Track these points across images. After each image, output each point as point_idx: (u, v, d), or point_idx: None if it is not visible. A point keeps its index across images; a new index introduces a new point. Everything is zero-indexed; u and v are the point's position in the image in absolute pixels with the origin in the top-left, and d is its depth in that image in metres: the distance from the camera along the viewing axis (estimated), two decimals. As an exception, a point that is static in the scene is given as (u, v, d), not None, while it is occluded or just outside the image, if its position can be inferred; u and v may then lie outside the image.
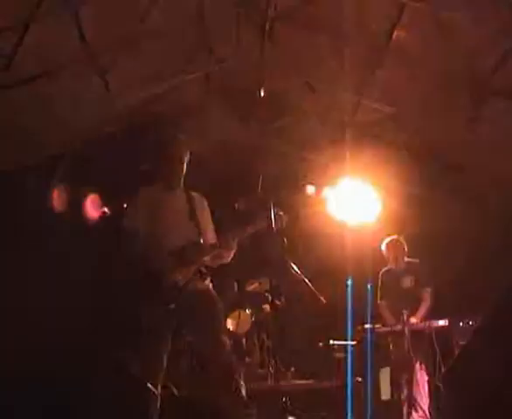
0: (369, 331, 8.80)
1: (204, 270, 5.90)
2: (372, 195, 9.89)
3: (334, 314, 9.68)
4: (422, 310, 8.70)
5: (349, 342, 9.21)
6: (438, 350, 8.08)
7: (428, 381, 8.32)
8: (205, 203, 6.28)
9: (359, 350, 9.05)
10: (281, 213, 6.07)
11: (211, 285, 6.09)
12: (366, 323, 8.84)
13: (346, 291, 9.23)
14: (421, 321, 8.53)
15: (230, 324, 9.39)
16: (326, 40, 9.15)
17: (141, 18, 8.55)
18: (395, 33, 8.65)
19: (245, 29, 9.54)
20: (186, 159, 6.14)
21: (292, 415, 7.64)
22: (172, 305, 5.70)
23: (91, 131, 10.52)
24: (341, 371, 9.05)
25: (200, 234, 5.99)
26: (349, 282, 9.11)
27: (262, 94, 5.24)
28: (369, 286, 9.15)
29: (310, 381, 9.52)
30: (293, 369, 9.82)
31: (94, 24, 8.37)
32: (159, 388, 5.95)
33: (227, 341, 5.92)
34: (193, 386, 8.76)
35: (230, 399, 5.64)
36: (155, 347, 5.84)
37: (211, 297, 6.01)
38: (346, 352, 9.17)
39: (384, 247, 9.23)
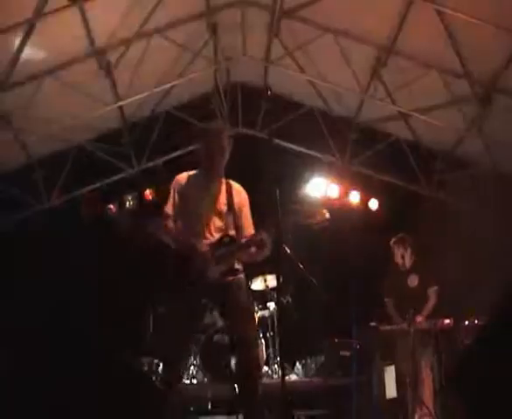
0: (375, 329, 8.81)
1: (237, 266, 5.76)
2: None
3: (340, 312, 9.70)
4: (427, 309, 8.67)
5: (355, 340, 9.21)
6: (443, 349, 8.08)
7: (433, 380, 8.31)
8: (245, 195, 6.02)
9: (364, 348, 9.06)
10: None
11: (244, 280, 5.90)
12: (372, 321, 8.85)
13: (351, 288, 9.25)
14: (426, 320, 8.51)
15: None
16: (332, 38, 9.14)
17: (148, 16, 8.60)
18: (401, 32, 8.66)
19: (252, 25, 9.58)
20: (228, 149, 5.91)
21: (297, 412, 7.65)
22: (204, 300, 5.68)
23: (97, 128, 10.55)
24: (346, 369, 9.06)
25: (237, 227, 5.82)
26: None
27: (270, 92, 5.08)
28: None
29: (316, 379, 9.52)
30: (298, 366, 9.83)
31: (101, 20, 8.41)
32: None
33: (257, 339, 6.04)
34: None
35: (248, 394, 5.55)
36: (182, 340, 5.72)
37: (244, 293, 5.84)
38: (351, 350, 9.18)
39: (391, 245, 9.23)
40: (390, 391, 8.39)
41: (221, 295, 5.61)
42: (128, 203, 10.89)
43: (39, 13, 7.68)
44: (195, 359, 9.18)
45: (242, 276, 5.84)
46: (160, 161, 11.07)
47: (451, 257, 9.42)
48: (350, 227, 10.19)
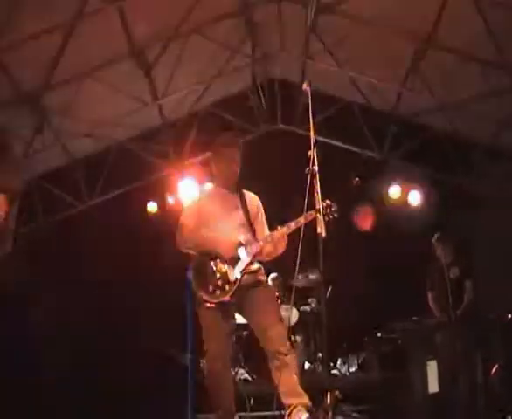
0: (414, 323, 8.77)
1: (257, 265, 5.91)
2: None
3: (380, 307, 9.69)
4: (466, 301, 8.65)
5: (394, 335, 9.19)
6: (485, 341, 8.03)
7: (474, 373, 8.26)
8: (259, 203, 6.21)
9: (406, 343, 9.02)
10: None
11: (265, 278, 6.06)
12: (413, 315, 8.82)
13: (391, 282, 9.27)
14: (467, 313, 8.48)
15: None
16: (369, 31, 9.10)
17: (186, 14, 8.63)
18: (439, 24, 8.60)
19: (289, 20, 9.58)
20: (239, 160, 6.08)
21: (342, 407, 7.63)
22: (227, 298, 5.69)
23: (136, 126, 10.63)
24: (388, 364, 9.04)
25: (253, 233, 5.97)
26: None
27: (305, 87, 5.06)
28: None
29: (358, 374, 9.52)
30: (339, 362, 9.83)
31: (140, 20, 8.46)
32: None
33: (284, 334, 5.77)
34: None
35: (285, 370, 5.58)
36: (214, 343, 5.76)
37: (265, 289, 5.98)
38: (391, 345, 9.16)
39: (433, 242, 9.20)
40: (433, 386, 8.35)
41: (242, 295, 5.73)
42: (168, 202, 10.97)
43: (79, 14, 7.76)
44: (237, 355, 9.21)
45: (262, 277, 6.01)
46: (198, 158, 11.11)
47: (491, 250, 9.38)
48: (391, 220, 10.17)
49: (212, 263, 5.76)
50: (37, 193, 10.76)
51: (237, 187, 6.13)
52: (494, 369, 7.88)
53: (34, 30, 7.70)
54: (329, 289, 9.29)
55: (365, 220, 9.41)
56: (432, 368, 8.50)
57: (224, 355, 5.79)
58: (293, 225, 5.73)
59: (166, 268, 9.87)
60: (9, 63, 8.13)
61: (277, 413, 5.87)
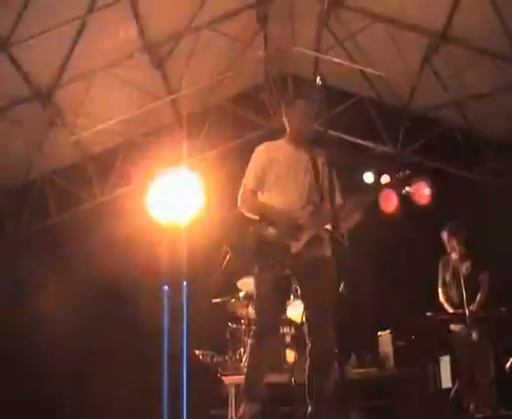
0: (428, 318, 8.75)
1: (323, 235, 5.33)
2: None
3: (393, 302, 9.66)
4: (481, 296, 8.60)
5: (408, 330, 9.16)
6: (499, 336, 8.00)
7: (489, 368, 8.24)
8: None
9: (419, 338, 9.00)
10: None
11: (329, 252, 5.37)
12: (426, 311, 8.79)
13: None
14: (481, 307, 8.44)
15: (290, 313, 9.39)
16: (382, 26, 9.09)
17: (199, 9, 8.64)
18: (452, 18, 8.57)
19: (302, 15, 9.56)
20: (313, 115, 5.53)
21: (354, 403, 7.61)
22: (287, 271, 5.26)
23: (149, 122, 10.63)
24: (402, 359, 9.00)
25: (323, 196, 5.37)
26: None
27: (319, 82, 4.93)
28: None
29: (371, 370, 9.49)
30: (354, 357, 9.80)
31: (152, 15, 8.47)
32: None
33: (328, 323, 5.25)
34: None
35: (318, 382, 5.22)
36: (268, 314, 5.39)
37: (327, 266, 5.30)
38: (405, 340, 9.13)
39: (443, 236, 9.15)
40: (446, 381, 8.34)
41: (304, 270, 5.27)
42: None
43: (92, 8, 7.78)
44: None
45: (328, 252, 5.39)
46: (212, 153, 11.09)
47: (503, 244, 9.35)
48: (403, 215, 10.12)
49: (274, 232, 5.30)
50: (49, 189, 10.78)
51: (310, 145, 5.57)
52: (509, 364, 7.87)
53: (46, 26, 7.71)
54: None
55: (389, 202, 9.25)
56: (445, 364, 8.49)
57: (274, 330, 5.62)
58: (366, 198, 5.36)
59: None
60: (21, 58, 8.17)
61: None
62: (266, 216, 5.37)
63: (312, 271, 5.27)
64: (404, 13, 8.86)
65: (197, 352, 9.11)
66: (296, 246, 5.23)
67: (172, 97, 10.04)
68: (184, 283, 9.56)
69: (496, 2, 8.01)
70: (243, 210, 5.57)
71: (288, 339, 8.65)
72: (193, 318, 9.48)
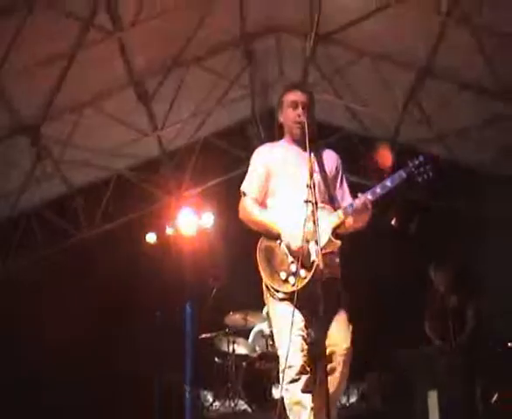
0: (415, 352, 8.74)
1: (332, 239, 4.72)
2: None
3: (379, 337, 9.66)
4: (468, 329, 8.62)
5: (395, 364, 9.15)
6: (486, 370, 8.01)
7: (476, 402, 8.22)
8: (339, 162, 5.15)
9: (406, 373, 8.98)
10: None
11: (337, 261, 4.91)
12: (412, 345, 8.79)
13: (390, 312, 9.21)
14: (468, 340, 8.46)
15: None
16: (367, 61, 9.16)
17: (185, 45, 8.68)
18: (437, 53, 8.65)
19: (288, 50, 9.63)
20: (314, 110, 5.11)
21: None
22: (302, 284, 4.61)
23: (136, 156, 10.65)
24: (388, 394, 8.97)
25: (331, 201, 4.94)
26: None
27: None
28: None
29: (358, 405, 9.45)
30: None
31: (139, 50, 8.51)
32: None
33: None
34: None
35: None
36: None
37: (333, 287, 4.76)
38: (392, 374, 9.11)
39: (430, 271, 9.18)
40: (434, 416, 8.31)
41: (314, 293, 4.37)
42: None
43: (79, 44, 7.81)
44: (236, 386, 9.12)
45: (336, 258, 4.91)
46: (199, 189, 11.12)
47: (491, 277, 9.38)
48: (389, 250, 10.13)
49: (283, 243, 4.74)
50: (36, 222, 10.75)
51: (313, 143, 4.86)
52: (494, 398, 7.86)
53: (34, 60, 7.73)
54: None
55: (385, 157, 9.14)
56: (432, 399, 8.46)
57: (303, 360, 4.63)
58: (378, 190, 4.76)
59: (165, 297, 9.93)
60: (9, 92, 8.16)
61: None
62: (271, 231, 4.84)
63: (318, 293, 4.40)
64: (390, 48, 8.93)
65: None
66: (311, 256, 4.64)
67: (158, 133, 10.05)
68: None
69: (480, 37, 8.10)
70: (245, 222, 5.05)
71: (274, 374, 8.62)
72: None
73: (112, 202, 10.95)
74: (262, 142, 5.32)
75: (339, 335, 4.68)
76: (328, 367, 4.60)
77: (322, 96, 9.79)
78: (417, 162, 4.76)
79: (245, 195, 5.07)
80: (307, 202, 4.46)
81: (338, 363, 4.65)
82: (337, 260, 4.92)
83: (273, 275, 4.75)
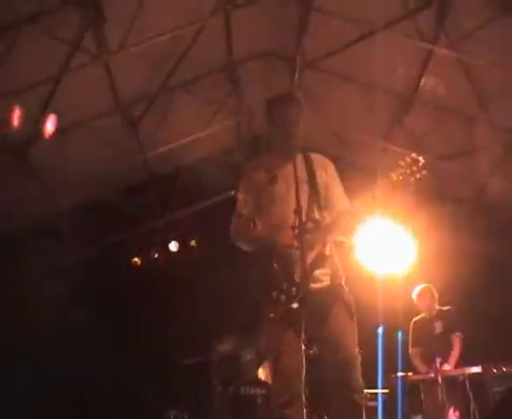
0: (400, 379, 8.71)
1: (327, 251, 4.61)
2: (404, 239, 9.86)
3: (365, 362, 9.60)
4: (454, 355, 8.60)
5: (381, 390, 9.10)
6: (472, 397, 7.98)
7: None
8: (329, 164, 4.98)
9: (391, 399, 8.95)
10: None
11: (341, 275, 4.77)
12: (398, 371, 8.76)
13: (377, 339, 9.16)
14: (454, 368, 8.44)
15: (262, 373, 9.32)
16: (353, 87, 9.22)
17: (172, 70, 8.72)
18: (422, 80, 8.71)
19: (274, 76, 9.67)
20: (301, 115, 4.88)
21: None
22: (294, 305, 4.41)
23: (123, 180, 10.63)
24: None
25: (321, 206, 4.72)
26: (380, 330, 9.05)
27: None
28: (399, 334, 9.09)
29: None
30: (326, 419, 9.70)
31: (125, 74, 8.52)
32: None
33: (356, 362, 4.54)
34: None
35: None
36: (281, 373, 4.49)
37: (339, 298, 4.65)
38: (377, 400, 9.06)
39: (415, 296, 9.17)
40: (419, 442, 8.29)
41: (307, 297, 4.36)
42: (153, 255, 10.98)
43: (65, 68, 7.81)
44: (221, 416, 9.00)
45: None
46: (184, 212, 11.12)
47: (475, 303, 9.39)
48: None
49: (274, 260, 4.53)
50: (21, 246, 10.68)
51: (302, 153, 4.86)
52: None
53: (20, 84, 7.73)
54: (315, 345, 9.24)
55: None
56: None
57: (294, 388, 4.43)
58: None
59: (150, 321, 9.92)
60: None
61: None
62: (263, 246, 4.67)
63: (316, 303, 4.43)
64: (375, 75, 8.98)
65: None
66: (299, 272, 4.42)
67: (144, 157, 10.06)
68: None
69: (466, 65, 8.18)
70: (238, 244, 4.90)
71: (260, 400, 8.55)
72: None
73: (98, 225, 10.91)
74: (253, 167, 5.20)
75: (342, 340, 4.52)
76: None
77: (308, 121, 9.85)
78: (409, 160, 4.63)
79: (237, 215, 4.94)
80: (293, 228, 4.40)
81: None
82: (332, 270, 4.70)
83: (265, 294, 4.55)
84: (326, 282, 4.60)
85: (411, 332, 9.02)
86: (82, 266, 10.58)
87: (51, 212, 10.55)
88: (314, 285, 4.47)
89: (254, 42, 9.31)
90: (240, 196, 4.98)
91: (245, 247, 4.88)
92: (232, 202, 5.15)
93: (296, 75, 9.20)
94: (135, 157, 10.00)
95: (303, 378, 4.46)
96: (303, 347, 4.46)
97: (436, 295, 8.92)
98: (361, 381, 4.51)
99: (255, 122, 10.79)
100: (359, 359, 4.56)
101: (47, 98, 8.18)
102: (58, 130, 8.85)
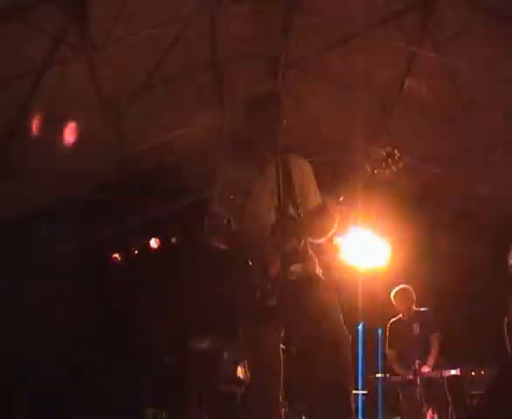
0: (380, 380, 8.74)
1: (299, 247, 4.58)
2: (383, 242, 9.91)
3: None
4: (432, 357, 8.63)
5: (360, 391, 9.13)
6: (450, 399, 8.01)
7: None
8: (306, 165, 5.00)
9: (369, 399, 8.98)
10: None
11: (316, 268, 4.75)
12: (377, 371, 8.79)
13: (357, 336, 9.21)
14: (433, 370, 8.47)
15: (240, 372, 9.31)
16: (336, 89, 9.23)
17: (156, 65, 8.68)
18: (405, 82, 8.74)
19: (258, 75, 9.66)
20: (283, 113, 4.88)
21: None
22: (272, 302, 4.36)
23: (102, 175, 10.58)
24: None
25: (297, 204, 4.69)
26: (360, 327, 9.09)
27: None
28: (379, 331, 9.12)
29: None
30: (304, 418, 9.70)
31: (109, 70, 8.48)
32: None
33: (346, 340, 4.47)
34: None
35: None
36: (258, 379, 4.48)
37: (315, 284, 4.64)
38: (356, 401, 9.07)
39: (393, 297, 9.18)
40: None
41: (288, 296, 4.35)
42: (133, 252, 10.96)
43: (48, 63, 7.76)
44: (199, 414, 8.98)
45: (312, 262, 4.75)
46: (165, 209, 11.08)
47: (453, 305, 9.44)
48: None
49: (249, 259, 4.51)
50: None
51: (277, 152, 4.80)
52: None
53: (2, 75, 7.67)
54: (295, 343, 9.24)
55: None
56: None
57: (272, 388, 4.43)
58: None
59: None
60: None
61: None
62: (238, 246, 4.67)
63: (296, 294, 4.45)
64: (358, 76, 9.00)
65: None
66: (275, 267, 4.44)
67: (126, 154, 10.01)
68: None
69: (450, 66, 8.22)
70: (212, 242, 4.87)
71: (238, 398, 8.57)
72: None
73: (78, 223, 10.86)
74: (229, 166, 5.20)
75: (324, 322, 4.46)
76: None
77: (291, 123, 9.85)
78: (384, 154, 4.60)
79: (210, 214, 4.92)
80: (272, 210, 4.47)
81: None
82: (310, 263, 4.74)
83: (242, 291, 4.57)
84: (296, 275, 4.59)
85: (387, 333, 9.05)
86: (61, 264, 10.53)
87: (29, 211, 10.48)
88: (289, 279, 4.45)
89: (238, 41, 9.29)
90: (215, 195, 4.98)
91: (219, 245, 4.86)
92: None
93: (279, 75, 9.22)
94: (117, 153, 9.94)
95: (281, 376, 4.48)
96: (282, 346, 4.60)
97: (414, 296, 8.96)
98: (349, 362, 4.47)
99: (238, 121, 10.77)
100: (348, 338, 4.53)
101: (28, 93, 8.12)
102: (40, 126, 8.82)
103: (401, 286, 9.05)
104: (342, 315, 4.60)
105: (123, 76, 8.77)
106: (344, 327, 4.53)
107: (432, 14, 7.77)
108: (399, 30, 8.01)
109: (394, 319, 9.05)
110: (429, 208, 10.79)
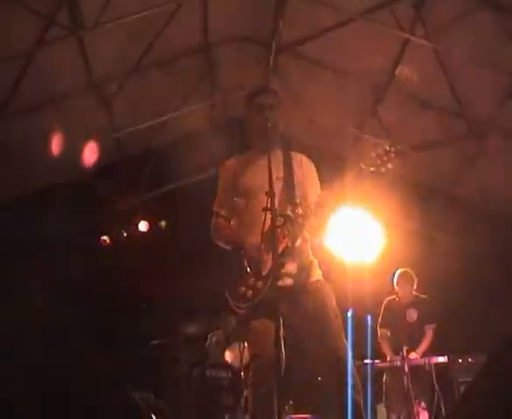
0: (369, 366, 8.71)
1: (293, 246, 4.48)
2: (373, 228, 9.89)
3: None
4: (423, 346, 8.60)
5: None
6: (437, 387, 8.02)
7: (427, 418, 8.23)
8: (309, 165, 4.95)
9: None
10: None
11: (316, 273, 4.71)
12: (365, 357, 8.77)
13: (346, 323, 9.19)
14: (421, 357, 8.44)
15: (228, 356, 9.31)
16: (329, 74, 9.21)
17: (147, 49, 8.64)
18: (397, 70, 8.73)
19: (249, 60, 9.63)
20: (278, 112, 4.86)
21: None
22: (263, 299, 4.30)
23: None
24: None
25: (296, 203, 4.55)
26: (350, 314, 9.07)
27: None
28: (369, 318, 9.10)
29: (309, 416, 9.40)
30: (291, 403, 9.70)
31: (100, 52, 8.43)
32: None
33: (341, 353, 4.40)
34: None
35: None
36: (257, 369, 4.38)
37: (313, 294, 4.58)
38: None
39: (395, 279, 9.12)
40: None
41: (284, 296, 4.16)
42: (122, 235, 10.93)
43: (39, 44, 7.71)
44: (187, 398, 8.96)
45: (317, 276, 4.70)
46: (154, 193, 11.06)
47: (449, 296, 9.42)
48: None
49: (244, 258, 4.50)
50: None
51: (280, 146, 4.85)
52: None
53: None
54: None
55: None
56: (380, 412, 8.47)
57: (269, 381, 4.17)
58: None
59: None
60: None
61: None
62: (237, 245, 4.63)
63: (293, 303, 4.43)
64: (350, 63, 8.98)
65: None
66: (268, 265, 4.38)
67: (117, 135, 9.96)
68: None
69: (441, 55, 8.21)
70: (217, 243, 4.84)
71: (225, 383, 8.57)
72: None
73: (68, 205, 10.80)
74: (220, 151, 5.17)
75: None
76: None
77: (282, 107, 9.82)
78: (380, 151, 4.45)
79: (214, 214, 4.88)
80: (265, 210, 4.16)
81: None
82: (301, 264, 4.64)
83: (233, 289, 4.50)
84: (292, 279, 4.53)
85: (382, 310, 8.94)
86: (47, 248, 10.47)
87: (21, 193, 10.43)
88: (282, 282, 4.28)
89: (230, 25, 9.27)
90: (219, 194, 4.93)
91: (224, 246, 4.83)
92: (203, 184, 5.13)
93: (271, 60, 9.19)
94: (108, 136, 9.89)
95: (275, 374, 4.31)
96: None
97: (416, 280, 8.89)
98: (346, 345, 4.46)
99: (229, 105, 10.74)
100: (342, 331, 4.51)
101: (19, 73, 8.06)
102: (30, 108, 8.77)
103: (403, 269, 9.00)
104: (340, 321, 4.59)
105: (114, 58, 8.72)
106: (344, 340, 4.50)
107: (425, 1, 7.76)
108: (393, 16, 7.98)
109: (390, 298, 8.95)
110: (421, 196, 10.78)
